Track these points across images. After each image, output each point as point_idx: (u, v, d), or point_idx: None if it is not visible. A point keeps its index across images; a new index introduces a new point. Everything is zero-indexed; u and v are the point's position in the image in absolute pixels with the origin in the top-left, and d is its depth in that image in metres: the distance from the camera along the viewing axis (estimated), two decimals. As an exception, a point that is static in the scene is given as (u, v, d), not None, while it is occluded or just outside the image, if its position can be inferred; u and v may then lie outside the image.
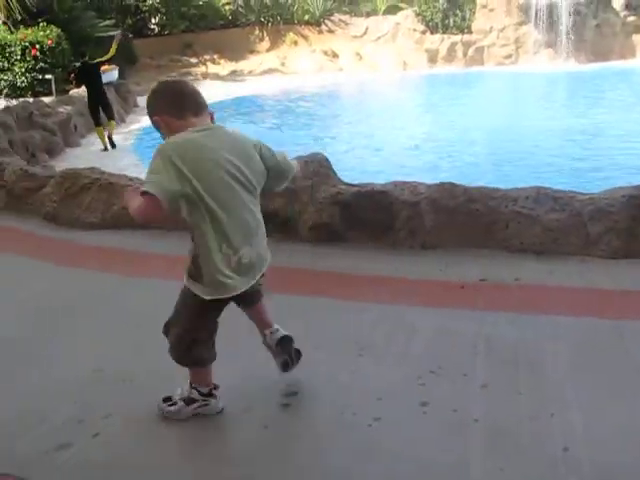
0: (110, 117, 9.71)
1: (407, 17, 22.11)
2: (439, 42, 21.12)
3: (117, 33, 11.22)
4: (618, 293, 3.28)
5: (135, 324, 3.09)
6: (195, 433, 2.23)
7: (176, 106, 2.12)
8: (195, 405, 2.29)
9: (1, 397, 2.54)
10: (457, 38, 21.19)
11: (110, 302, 3.39)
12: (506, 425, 2.17)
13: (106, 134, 9.58)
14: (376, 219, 3.99)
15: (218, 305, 2.17)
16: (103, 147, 9.56)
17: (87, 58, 10.21)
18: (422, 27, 21.71)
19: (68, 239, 4.46)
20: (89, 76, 9.67)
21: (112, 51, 10.20)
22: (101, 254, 4.17)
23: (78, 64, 10.04)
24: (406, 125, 11.13)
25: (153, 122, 2.18)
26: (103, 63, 10.13)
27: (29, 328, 3.09)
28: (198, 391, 2.29)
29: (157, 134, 2.20)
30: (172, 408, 2.30)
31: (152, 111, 2.17)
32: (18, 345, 2.94)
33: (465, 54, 21.08)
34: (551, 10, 19.99)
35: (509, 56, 20.90)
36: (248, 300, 2.34)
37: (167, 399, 2.33)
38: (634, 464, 1.97)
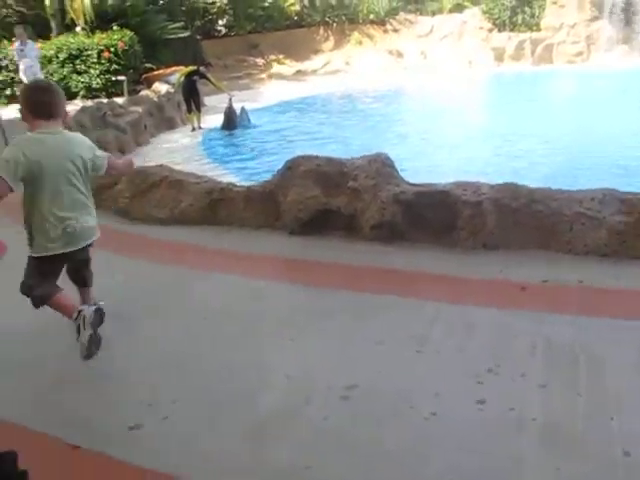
0: (197, 109, 12.02)
1: (474, 15, 21.82)
2: (506, 40, 20.70)
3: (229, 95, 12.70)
4: (687, 298, 3.20)
5: (202, 316, 3.25)
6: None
7: (32, 109, 2.81)
8: (82, 329, 2.88)
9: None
10: (525, 36, 20.71)
11: (180, 293, 3.57)
12: (565, 425, 2.18)
13: (196, 121, 11.97)
14: (438, 218, 4.01)
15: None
16: (192, 128, 11.71)
17: (203, 67, 12.49)
18: (489, 25, 21.38)
19: (141, 233, 4.69)
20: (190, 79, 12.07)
21: (215, 83, 12.24)
22: (171, 248, 4.36)
23: (193, 68, 12.25)
24: (471, 125, 10.98)
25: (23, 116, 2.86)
26: (205, 77, 12.05)
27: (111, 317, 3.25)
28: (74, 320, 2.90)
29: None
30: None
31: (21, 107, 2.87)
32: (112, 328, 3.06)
33: (533, 52, 20.57)
34: (628, 3, 19.24)
35: (580, 53, 20.27)
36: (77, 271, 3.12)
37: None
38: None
